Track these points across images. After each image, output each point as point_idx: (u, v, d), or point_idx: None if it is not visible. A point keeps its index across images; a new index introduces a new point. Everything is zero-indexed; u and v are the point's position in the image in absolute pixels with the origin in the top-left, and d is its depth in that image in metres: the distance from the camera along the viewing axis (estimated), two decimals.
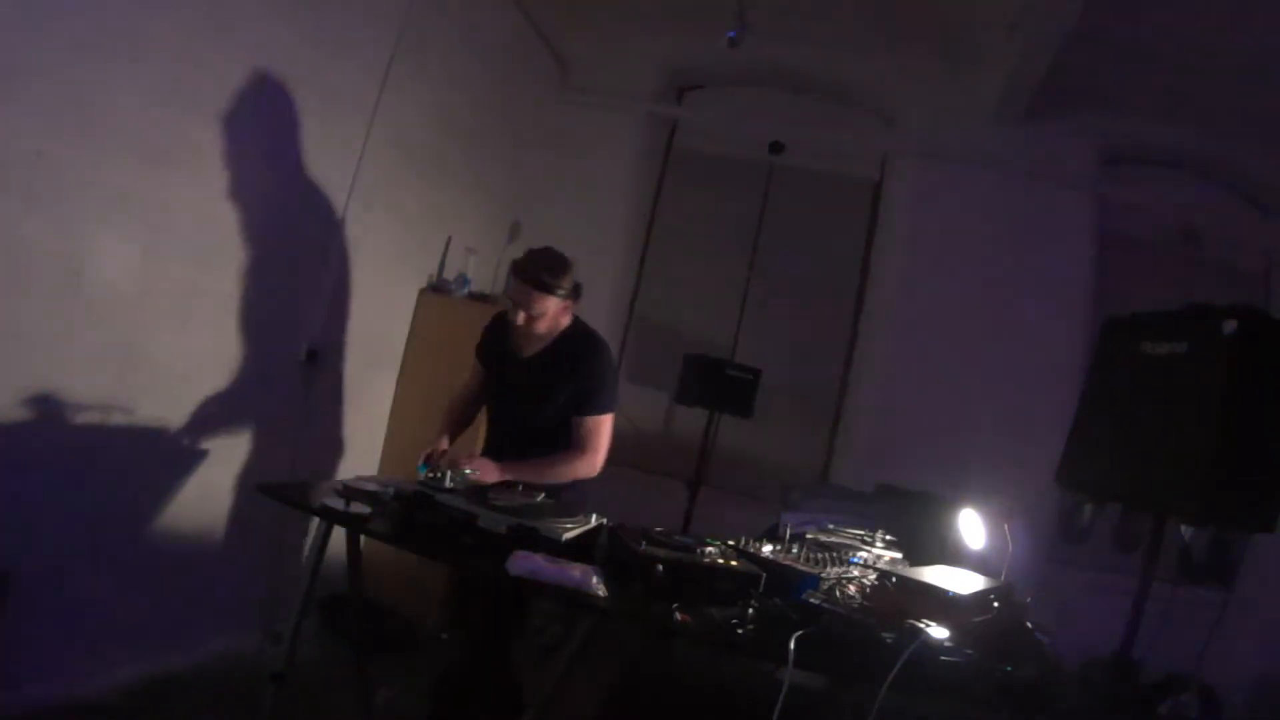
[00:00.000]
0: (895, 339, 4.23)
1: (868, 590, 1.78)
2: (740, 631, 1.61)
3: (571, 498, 2.35)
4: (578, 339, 2.46)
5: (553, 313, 2.37)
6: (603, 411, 2.44)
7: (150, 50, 2.26)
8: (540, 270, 2.32)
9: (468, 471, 2.18)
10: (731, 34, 3.90)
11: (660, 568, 1.72)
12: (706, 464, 3.77)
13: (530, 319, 2.34)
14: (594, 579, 1.65)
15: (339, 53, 2.95)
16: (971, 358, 4.07)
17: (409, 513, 1.91)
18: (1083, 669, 2.05)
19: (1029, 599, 1.92)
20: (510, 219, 4.30)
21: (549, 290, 2.32)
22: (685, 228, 4.72)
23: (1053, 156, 4.19)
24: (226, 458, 2.80)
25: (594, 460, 2.44)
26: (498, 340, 2.54)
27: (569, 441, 2.43)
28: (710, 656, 2.96)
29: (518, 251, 4.21)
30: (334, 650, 2.87)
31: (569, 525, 1.89)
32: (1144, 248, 4.30)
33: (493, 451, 2.46)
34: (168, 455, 2.61)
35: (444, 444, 2.42)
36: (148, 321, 2.43)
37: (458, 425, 2.59)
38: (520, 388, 2.49)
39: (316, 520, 2.03)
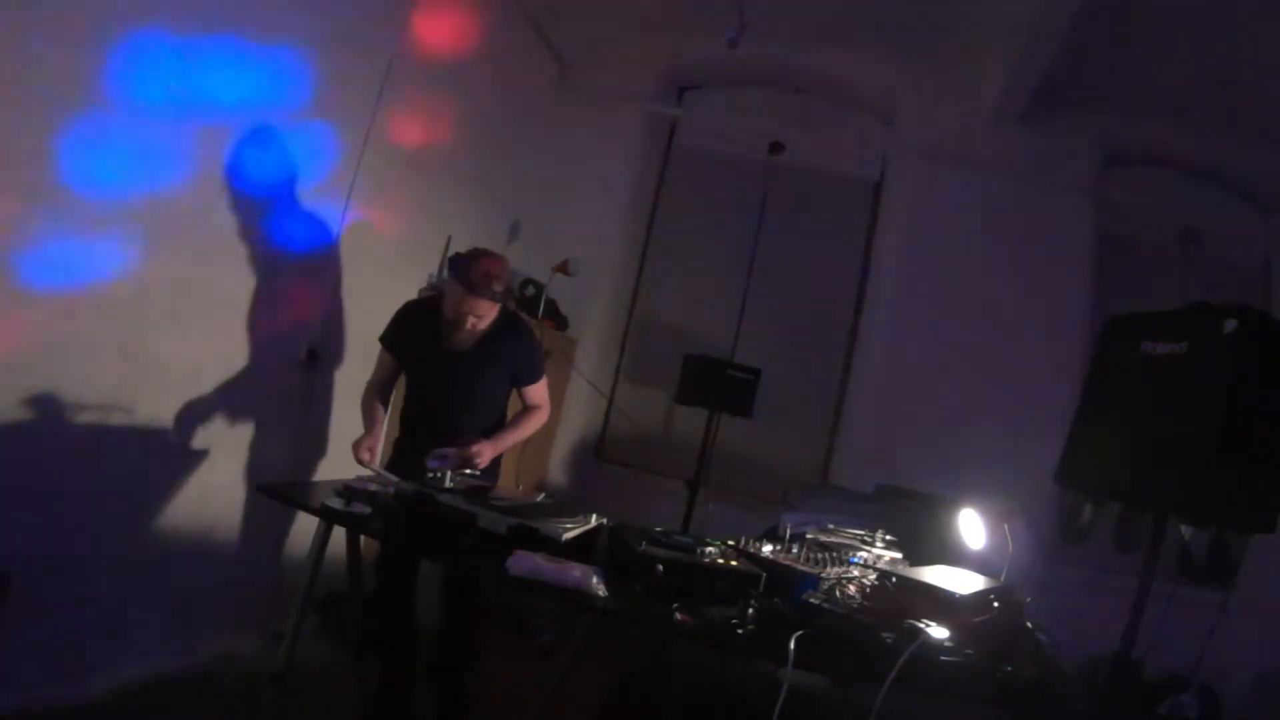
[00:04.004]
0: (895, 339, 4.23)
1: (868, 590, 1.78)
2: (740, 631, 1.61)
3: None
4: (508, 323, 2.60)
5: (496, 312, 2.50)
6: (542, 376, 2.73)
7: (150, 50, 2.26)
8: (492, 281, 2.43)
9: (471, 467, 2.35)
10: (731, 34, 3.90)
11: (660, 568, 1.72)
12: (706, 464, 3.76)
13: (477, 322, 2.46)
14: (594, 579, 1.65)
15: (339, 53, 2.95)
16: (971, 358, 4.07)
17: (409, 513, 1.91)
18: (1083, 669, 2.05)
19: (1029, 599, 1.92)
20: (510, 219, 4.29)
21: (499, 299, 2.47)
22: (685, 228, 4.73)
23: (1053, 157, 4.19)
24: (226, 458, 2.79)
25: (547, 412, 2.77)
26: (418, 334, 2.57)
27: (499, 417, 2.70)
28: (710, 656, 2.96)
29: (518, 251, 4.26)
30: (334, 650, 2.87)
31: (569, 525, 1.89)
32: (1144, 248, 4.30)
33: (419, 439, 2.54)
34: (168, 455, 2.60)
35: (377, 437, 2.51)
36: (148, 321, 2.43)
37: (381, 416, 2.67)
38: (460, 378, 2.58)
39: (316, 520, 2.03)
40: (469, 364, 2.54)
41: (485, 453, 2.47)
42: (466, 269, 2.41)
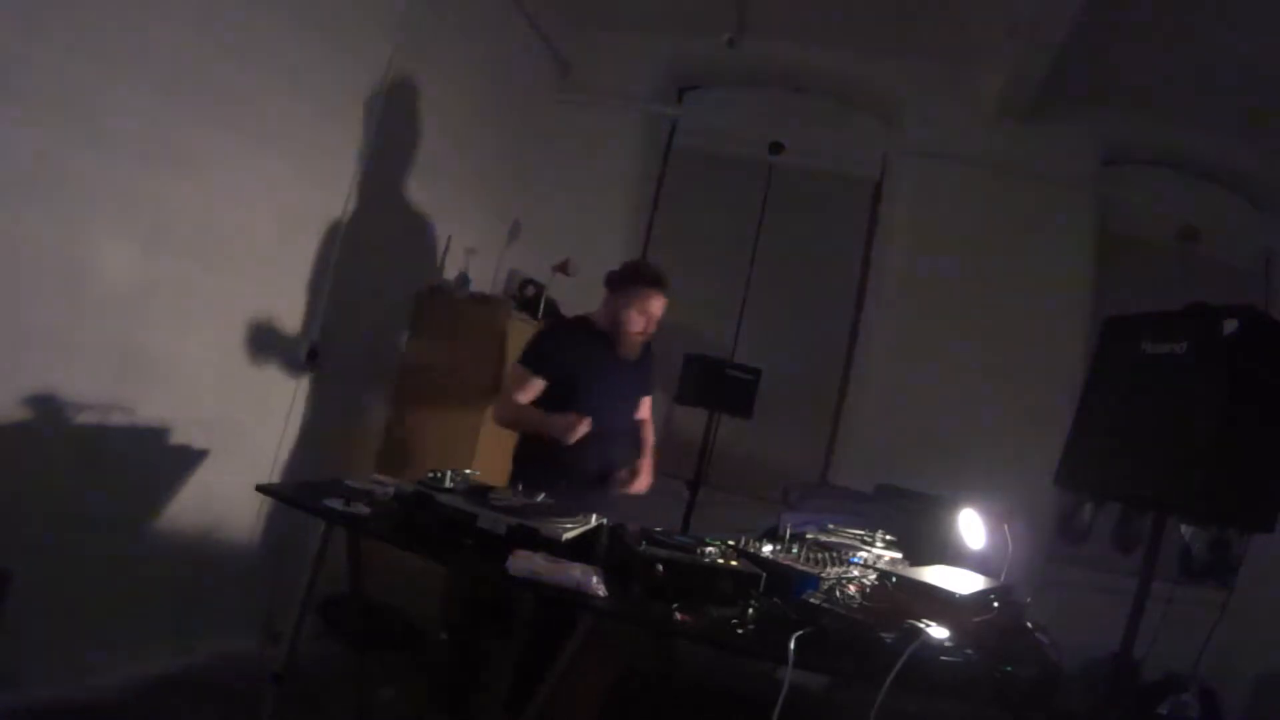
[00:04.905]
0: (895, 338, 4.23)
1: (868, 590, 1.78)
2: (740, 631, 1.61)
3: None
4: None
5: None
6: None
7: (150, 50, 2.26)
8: (668, 284, 2.60)
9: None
10: (730, 35, 3.90)
11: (660, 568, 1.71)
12: (706, 464, 3.76)
13: (653, 324, 2.58)
14: (594, 579, 1.65)
15: (339, 53, 2.95)
16: (971, 358, 4.07)
17: (409, 513, 1.91)
18: (1083, 669, 2.05)
19: (1029, 599, 1.92)
20: (510, 219, 4.29)
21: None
22: (685, 227, 4.72)
23: (1053, 156, 4.18)
24: (226, 458, 2.79)
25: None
26: (586, 349, 2.58)
27: (638, 428, 2.75)
28: (710, 656, 2.95)
29: (518, 251, 4.27)
30: (334, 650, 2.87)
31: (569, 525, 1.89)
32: (1144, 248, 4.30)
33: (581, 457, 2.49)
34: (168, 455, 2.61)
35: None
36: (148, 321, 2.43)
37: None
38: (632, 387, 2.66)
39: (317, 520, 2.03)
40: (638, 372, 2.66)
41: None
42: (650, 270, 2.58)
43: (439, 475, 2.05)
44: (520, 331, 3.67)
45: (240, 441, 2.87)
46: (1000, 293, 4.12)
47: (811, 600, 1.70)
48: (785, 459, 4.36)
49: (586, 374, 2.55)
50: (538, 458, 2.51)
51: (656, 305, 2.56)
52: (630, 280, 2.55)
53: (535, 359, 2.55)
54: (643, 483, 2.59)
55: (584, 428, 2.37)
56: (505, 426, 2.66)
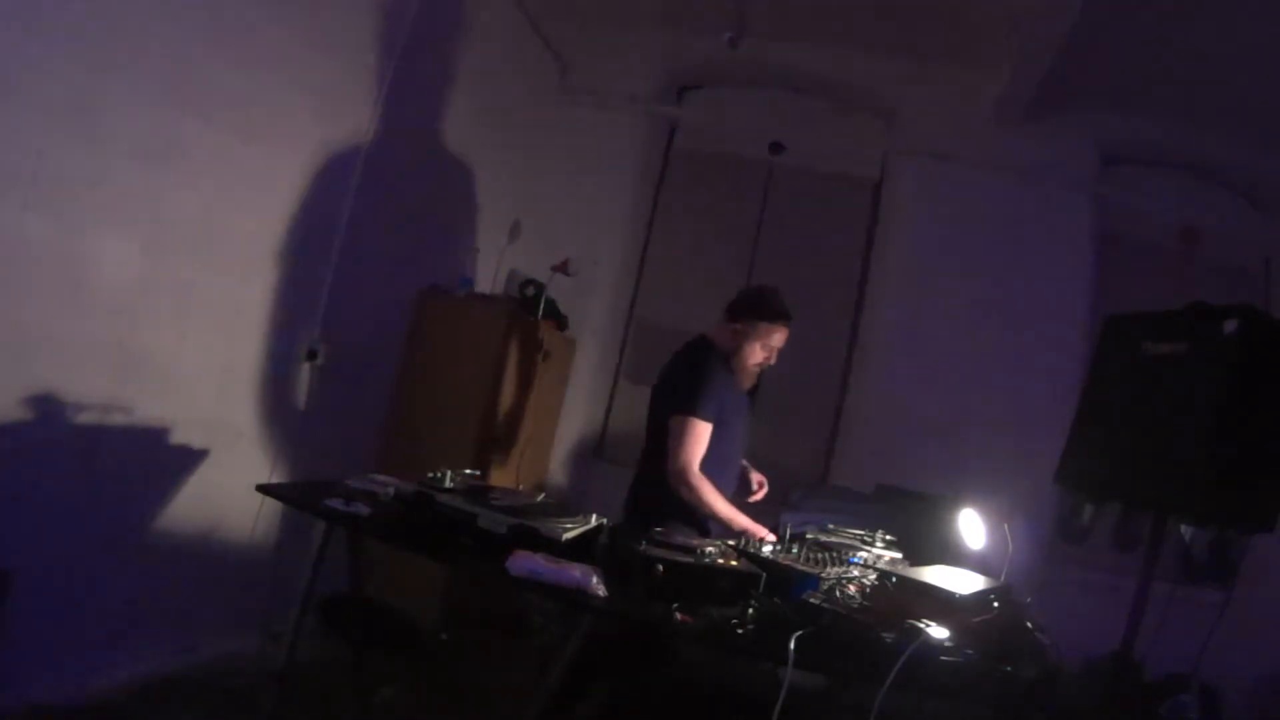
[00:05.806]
0: (895, 339, 4.23)
1: (868, 590, 1.78)
2: (740, 631, 1.61)
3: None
4: None
5: None
6: None
7: (150, 50, 2.26)
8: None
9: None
10: (730, 34, 3.90)
11: (660, 568, 1.72)
12: None
13: (772, 359, 2.51)
14: (594, 579, 1.65)
15: (339, 53, 2.95)
16: (971, 357, 4.07)
17: (409, 513, 1.91)
18: (1083, 669, 2.05)
19: (1029, 599, 1.92)
20: (510, 219, 4.30)
21: None
22: (685, 228, 4.72)
23: (1053, 157, 4.18)
24: (226, 458, 2.80)
25: None
26: (732, 389, 2.49)
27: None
28: (710, 656, 2.96)
29: (518, 251, 4.27)
30: (334, 650, 2.87)
31: (569, 525, 1.89)
32: (1144, 248, 4.30)
33: (721, 489, 2.41)
34: (168, 455, 2.61)
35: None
36: (148, 321, 2.43)
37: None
38: (747, 421, 2.57)
39: (317, 520, 2.03)
40: (749, 399, 2.58)
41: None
42: (780, 305, 2.50)
43: (439, 475, 2.05)
44: (520, 332, 3.68)
45: (240, 441, 2.87)
46: (1000, 293, 4.12)
47: (811, 600, 1.70)
48: (785, 459, 4.36)
49: (730, 411, 2.46)
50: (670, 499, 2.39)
51: (781, 339, 2.51)
52: (758, 315, 2.48)
53: (716, 410, 2.39)
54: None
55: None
56: (685, 495, 2.37)
